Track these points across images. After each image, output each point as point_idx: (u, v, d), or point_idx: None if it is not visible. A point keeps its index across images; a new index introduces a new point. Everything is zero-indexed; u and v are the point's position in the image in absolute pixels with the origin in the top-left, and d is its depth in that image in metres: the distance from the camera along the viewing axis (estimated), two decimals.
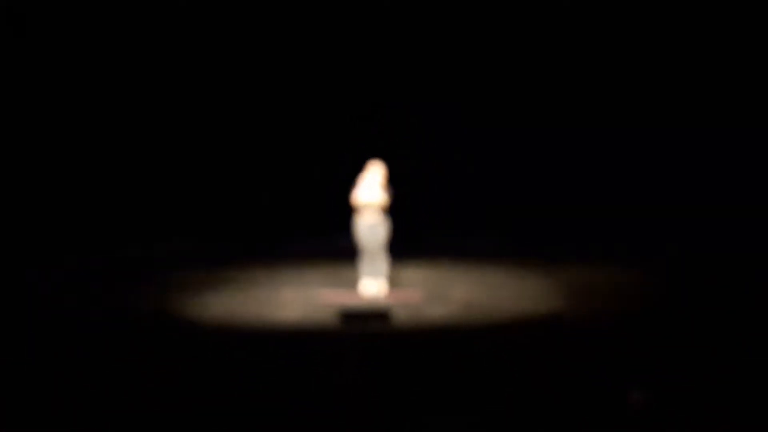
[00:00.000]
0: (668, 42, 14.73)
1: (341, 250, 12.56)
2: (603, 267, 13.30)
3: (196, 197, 15.22)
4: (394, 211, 11.28)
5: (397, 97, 15.24)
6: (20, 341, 9.35)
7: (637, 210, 14.92)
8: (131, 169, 15.04)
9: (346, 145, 14.68)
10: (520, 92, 15.13)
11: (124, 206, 14.92)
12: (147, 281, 12.56)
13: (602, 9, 14.69)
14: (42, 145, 14.60)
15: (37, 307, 10.93)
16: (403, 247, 12.18)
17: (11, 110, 14.49)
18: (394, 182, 11.43)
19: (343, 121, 15.26)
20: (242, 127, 15.29)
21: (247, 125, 15.31)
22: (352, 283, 11.58)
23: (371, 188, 11.11)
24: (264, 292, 11.66)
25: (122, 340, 9.25)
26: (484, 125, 15.28)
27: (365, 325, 9.70)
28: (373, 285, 11.15)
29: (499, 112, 15.19)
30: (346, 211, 11.42)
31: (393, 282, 11.57)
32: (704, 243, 14.01)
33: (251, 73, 15.15)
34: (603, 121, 14.92)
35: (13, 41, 14.16)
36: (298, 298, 11.20)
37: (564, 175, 15.17)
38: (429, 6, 14.80)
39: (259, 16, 14.86)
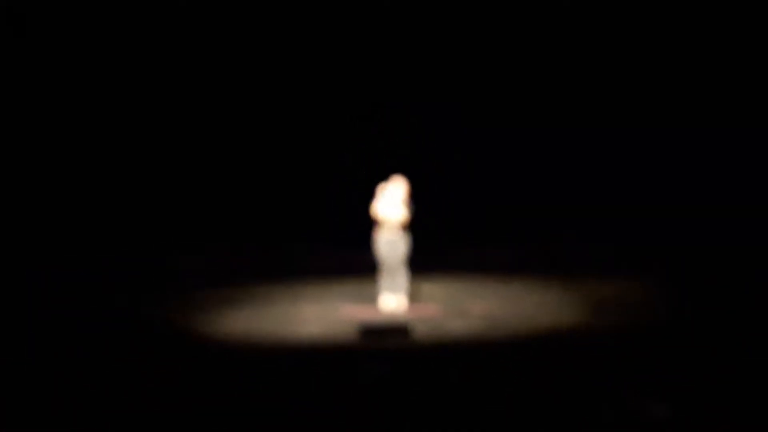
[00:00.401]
0: (668, 42, 14.79)
1: (361, 265, 12.48)
2: (623, 279, 13.15)
3: (215, 211, 15.35)
4: (413, 224, 11.23)
5: (416, 107, 15.34)
6: (35, 350, 9.31)
7: (647, 210, 14.96)
8: (147, 180, 15.17)
9: (366, 157, 14.77)
10: (533, 94, 15.25)
11: (143, 217, 15.01)
12: (166, 295, 12.51)
13: (602, 9, 14.78)
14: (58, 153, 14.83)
15: (57, 319, 10.91)
16: (423, 261, 12.04)
17: (27, 113, 14.63)
18: (415, 198, 11.41)
19: (365, 133, 15.36)
20: (262, 137, 15.45)
21: (268, 136, 15.46)
22: (372, 299, 11.50)
23: (392, 203, 11.03)
24: (283, 308, 11.55)
25: (139, 356, 9.16)
26: (498, 134, 15.44)
27: (385, 340, 9.61)
28: (392, 300, 11.08)
29: (511, 123, 15.41)
30: (366, 225, 11.44)
31: (412, 297, 11.49)
32: (716, 245, 14.02)
33: (268, 85, 15.30)
34: (614, 121, 15.10)
35: (13, 41, 14.36)
36: (318, 314, 11.10)
37: (577, 176, 15.21)
38: (435, 10, 14.96)
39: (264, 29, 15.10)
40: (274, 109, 15.34)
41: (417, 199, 11.31)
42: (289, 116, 15.32)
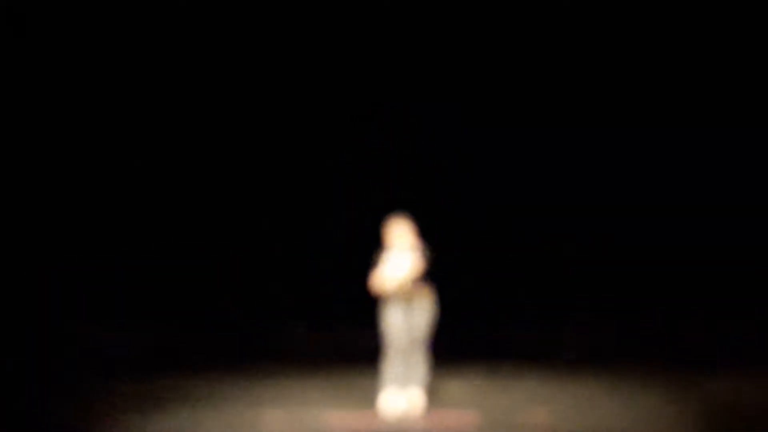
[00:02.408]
0: (669, 45, 14.35)
1: (354, 349, 11.48)
2: (754, 373, 10.91)
3: (151, 271, 14.29)
4: (439, 286, 9.26)
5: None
6: None
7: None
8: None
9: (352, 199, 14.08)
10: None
11: (59, 272, 14.05)
12: (70, 387, 10.65)
13: (602, 11, 14.47)
14: None
15: None
16: (450, 344, 10.38)
17: None
18: (430, 240, 9.32)
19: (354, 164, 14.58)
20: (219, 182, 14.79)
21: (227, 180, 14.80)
22: (371, 398, 9.34)
23: (399, 259, 9.13)
24: (237, 412, 9.31)
25: None
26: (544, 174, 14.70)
27: None
28: (402, 398, 8.99)
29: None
30: (362, 298, 9.65)
31: (435, 397, 9.35)
32: None
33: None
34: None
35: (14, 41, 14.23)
36: (288, 422, 8.92)
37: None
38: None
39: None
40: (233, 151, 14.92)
41: (435, 246, 9.36)
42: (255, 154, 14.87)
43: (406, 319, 8.94)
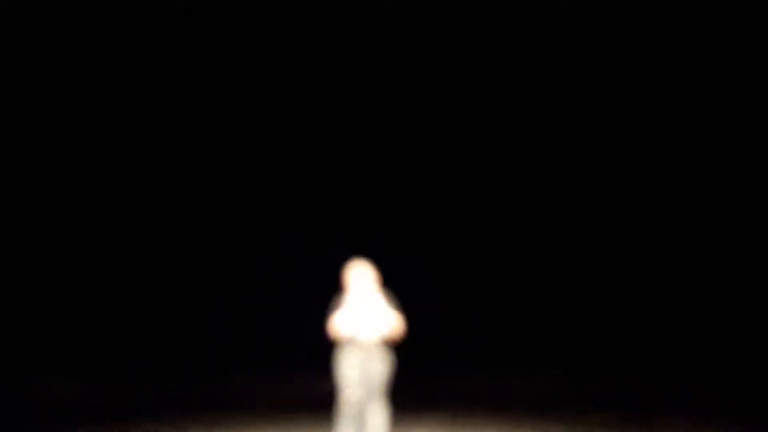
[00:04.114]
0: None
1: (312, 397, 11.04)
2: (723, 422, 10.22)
3: (103, 318, 13.90)
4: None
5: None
6: None
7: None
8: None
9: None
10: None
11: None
12: None
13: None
14: None
15: None
16: (413, 393, 10.40)
17: None
18: (395, 290, 8.74)
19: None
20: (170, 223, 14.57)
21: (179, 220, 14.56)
22: None
23: (363, 305, 8.43)
24: None
25: None
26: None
27: None
28: None
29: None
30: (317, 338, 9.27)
31: None
32: None
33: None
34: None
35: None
36: None
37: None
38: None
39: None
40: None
41: (398, 294, 8.72)
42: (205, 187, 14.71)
43: (363, 368, 8.36)
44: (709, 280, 14.17)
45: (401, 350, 8.86)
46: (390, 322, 8.29)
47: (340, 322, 8.42)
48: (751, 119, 14.49)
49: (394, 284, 9.14)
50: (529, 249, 14.48)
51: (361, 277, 8.47)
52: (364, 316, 8.40)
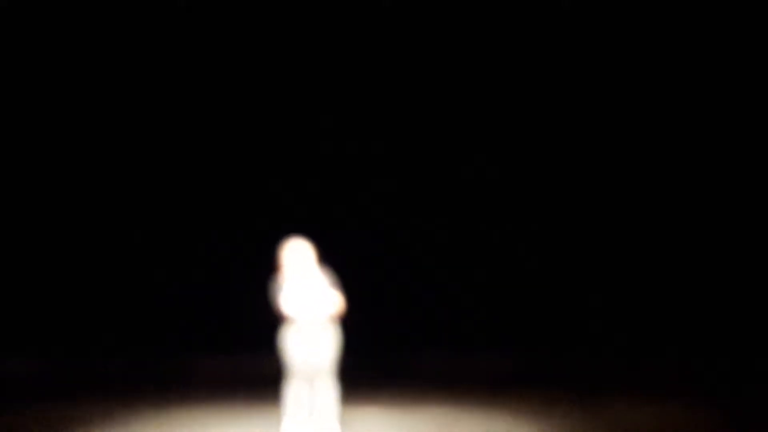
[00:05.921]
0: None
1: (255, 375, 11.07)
2: (663, 399, 10.45)
3: (49, 298, 13.84)
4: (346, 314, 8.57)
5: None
6: None
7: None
8: None
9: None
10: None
11: None
12: None
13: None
14: None
15: None
16: (361, 372, 10.45)
17: None
18: (335, 266, 8.63)
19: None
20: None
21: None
22: (274, 427, 8.72)
23: (304, 284, 8.36)
24: None
25: None
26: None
27: None
28: (307, 426, 8.38)
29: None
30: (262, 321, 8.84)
31: (346, 425, 8.79)
32: None
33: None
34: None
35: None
36: None
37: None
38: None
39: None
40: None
41: (339, 272, 8.63)
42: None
43: (310, 346, 8.36)
44: (657, 257, 14.35)
45: (351, 328, 8.77)
46: (331, 299, 8.24)
47: (284, 301, 8.36)
48: (762, 106, 14.51)
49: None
50: (479, 235, 14.59)
51: (299, 255, 8.37)
52: (308, 294, 8.33)
